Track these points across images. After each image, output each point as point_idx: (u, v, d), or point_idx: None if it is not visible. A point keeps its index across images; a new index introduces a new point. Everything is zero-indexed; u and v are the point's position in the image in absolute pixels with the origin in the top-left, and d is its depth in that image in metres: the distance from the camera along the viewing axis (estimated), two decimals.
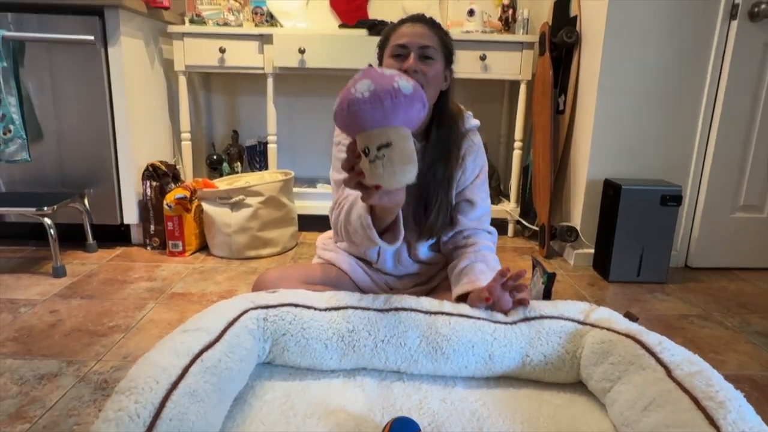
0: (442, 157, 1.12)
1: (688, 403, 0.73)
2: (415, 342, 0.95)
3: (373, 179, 0.79)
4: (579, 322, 0.99)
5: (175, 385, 0.72)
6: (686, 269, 1.98)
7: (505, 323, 0.97)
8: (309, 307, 1.00)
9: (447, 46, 1.10)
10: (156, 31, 2.12)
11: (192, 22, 2.19)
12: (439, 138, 1.12)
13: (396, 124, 0.79)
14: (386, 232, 0.97)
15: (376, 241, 0.94)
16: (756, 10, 1.73)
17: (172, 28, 2.09)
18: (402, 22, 1.09)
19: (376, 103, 0.76)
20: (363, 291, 1.20)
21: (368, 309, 0.99)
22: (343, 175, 1.10)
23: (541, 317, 0.99)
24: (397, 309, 0.99)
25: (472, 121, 1.19)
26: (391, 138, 0.78)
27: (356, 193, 0.94)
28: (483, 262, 1.09)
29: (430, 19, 1.10)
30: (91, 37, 1.76)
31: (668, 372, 0.80)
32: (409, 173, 0.79)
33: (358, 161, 0.80)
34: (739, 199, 1.92)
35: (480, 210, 1.18)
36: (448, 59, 1.11)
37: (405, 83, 0.79)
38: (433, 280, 1.25)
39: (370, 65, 0.85)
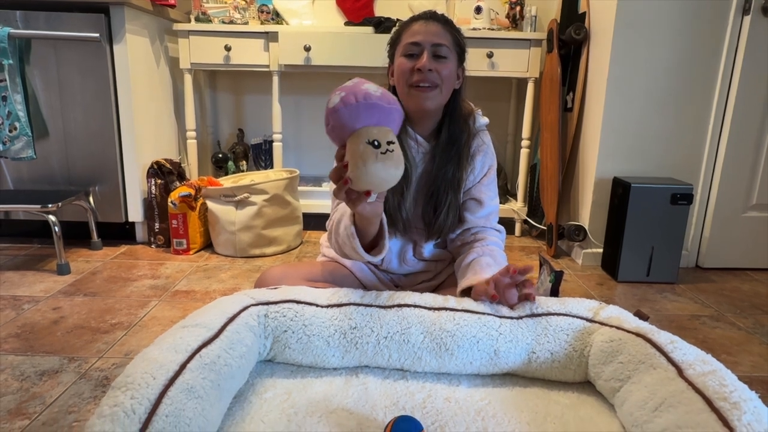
0: (453, 158, 1.10)
1: (701, 404, 0.70)
2: (419, 338, 0.93)
3: (365, 178, 0.79)
4: (587, 320, 0.96)
5: (172, 381, 0.71)
6: (697, 269, 1.94)
7: (511, 318, 0.95)
8: (311, 304, 0.98)
9: (460, 45, 1.08)
10: (162, 29, 2.12)
11: (198, 20, 2.18)
12: (451, 137, 1.11)
13: (391, 126, 0.83)
14: (373, 246, 0.97)
15: (360, 252, 0.94)
16: None
17: (177, 26, 2.09)
18: (414, 19, 1.07)
19: (384, 100, 0.81)
20: (367, 288, 1.19)
21: (371, 305, 0.97)
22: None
23: (548, 314, 0.96)
24: (400, 305, 0.97)
25: (481, 120, 1.17)
26: (393, 137, 0.82)
27: (345, 207, 0.95)
28: (490, 256, 1.07)
29: (443, 16, 1.08)
30: (96, 35, 1.76)
31: (680, 372, 0.77)
32: (400, 174, 0.82)
33: (345, 170, 0.81)
34: (752, 198, 1.88)
35: (488, 208, 1.16)
36: (461, 57, 1.09)
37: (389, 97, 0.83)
38: (440, 276, 1.23)
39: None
